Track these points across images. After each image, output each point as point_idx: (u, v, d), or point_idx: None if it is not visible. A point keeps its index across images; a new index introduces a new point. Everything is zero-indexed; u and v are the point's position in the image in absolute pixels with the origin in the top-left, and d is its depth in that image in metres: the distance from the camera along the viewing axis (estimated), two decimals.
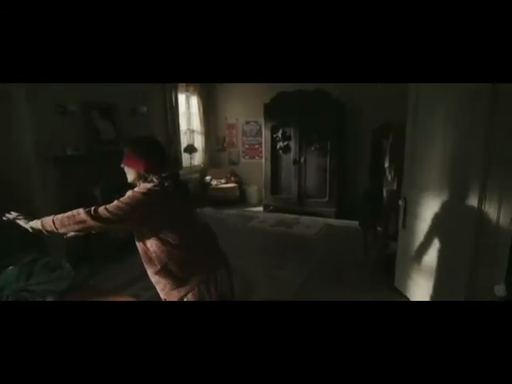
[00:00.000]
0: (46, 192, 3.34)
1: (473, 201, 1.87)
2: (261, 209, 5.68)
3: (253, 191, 6.17)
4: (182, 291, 1.37)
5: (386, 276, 3.00)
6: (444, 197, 2.12)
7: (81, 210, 1.25)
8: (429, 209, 2.29)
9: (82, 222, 1.24)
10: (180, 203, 1.42)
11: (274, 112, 5.17)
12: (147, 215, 1.30)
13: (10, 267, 1.86)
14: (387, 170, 3.81)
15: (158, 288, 1.42)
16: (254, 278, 3.12)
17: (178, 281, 1.37)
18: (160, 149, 1.44)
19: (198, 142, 6.18)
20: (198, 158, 6.15)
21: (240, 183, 6.26)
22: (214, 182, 6.03)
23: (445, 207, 2.12)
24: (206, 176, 6.16)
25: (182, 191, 1.45)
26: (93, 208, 1.26)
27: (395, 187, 3.70)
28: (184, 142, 5.79)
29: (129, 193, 1.34)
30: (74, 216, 1.26)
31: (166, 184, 1.35)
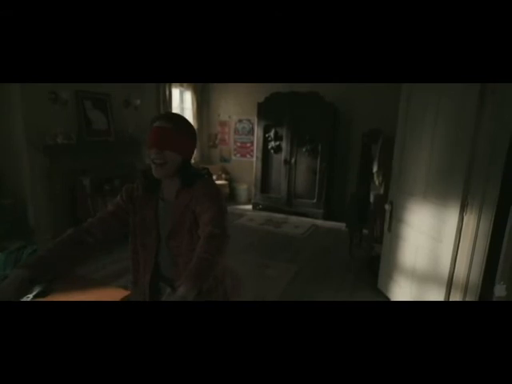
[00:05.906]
0: (36, 180, 3.29)
1: (455, 207, 1.96)
2: (250, 207, 5.72)
3: (243, 189, 6.21)
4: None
5: (370, 277, 3.10)
6: (429, 202, 2.21)
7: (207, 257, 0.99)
8: (414, 213, 2.37)
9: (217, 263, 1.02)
10: None
11: (267, 111, 5.22)
12: None
13: None
14: (375, 175, 3.91)
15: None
16: (241, 275, 3.15)
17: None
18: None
19: None
20: None
21: (230, 181, 6.28)
22: None
23: (429, 213, 2.21)
24: None
25: None
26: (214, 243, 1.03)
27: (382, 192, 3.81)
28: None
29: (209, 199, 1.13)
30: (208, 267, 0.99)
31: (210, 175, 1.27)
